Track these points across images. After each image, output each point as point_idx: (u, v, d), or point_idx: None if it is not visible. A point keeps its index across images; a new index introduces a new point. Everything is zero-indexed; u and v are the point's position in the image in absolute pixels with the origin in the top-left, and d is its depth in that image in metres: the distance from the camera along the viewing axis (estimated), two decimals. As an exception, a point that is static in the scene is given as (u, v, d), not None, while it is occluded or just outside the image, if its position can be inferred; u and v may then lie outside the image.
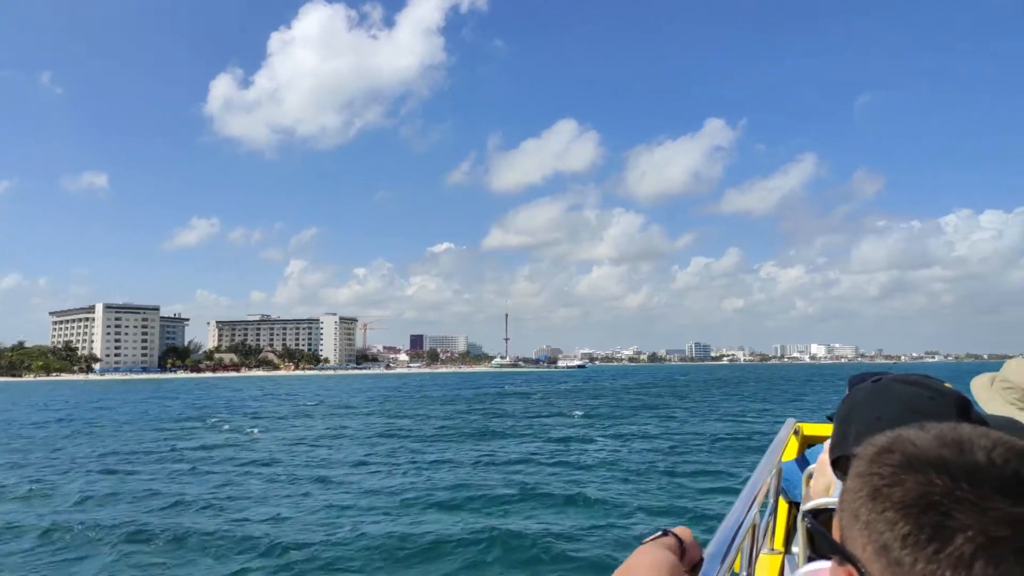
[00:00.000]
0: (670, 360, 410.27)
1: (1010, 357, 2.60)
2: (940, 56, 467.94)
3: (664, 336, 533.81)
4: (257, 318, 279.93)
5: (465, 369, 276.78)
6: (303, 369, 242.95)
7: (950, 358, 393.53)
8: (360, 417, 43.67)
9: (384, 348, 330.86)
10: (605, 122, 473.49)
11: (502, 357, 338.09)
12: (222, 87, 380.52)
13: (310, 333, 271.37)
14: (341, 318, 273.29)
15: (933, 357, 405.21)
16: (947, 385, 1.31)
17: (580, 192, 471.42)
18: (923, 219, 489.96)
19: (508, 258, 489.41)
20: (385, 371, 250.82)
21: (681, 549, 1.24)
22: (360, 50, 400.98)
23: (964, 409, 1.21)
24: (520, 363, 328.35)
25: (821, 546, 1.69)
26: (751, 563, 2.06)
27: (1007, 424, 1.48)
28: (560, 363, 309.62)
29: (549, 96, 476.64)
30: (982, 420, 1.25)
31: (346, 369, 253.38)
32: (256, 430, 35.52)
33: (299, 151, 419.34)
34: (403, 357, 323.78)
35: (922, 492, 0.65)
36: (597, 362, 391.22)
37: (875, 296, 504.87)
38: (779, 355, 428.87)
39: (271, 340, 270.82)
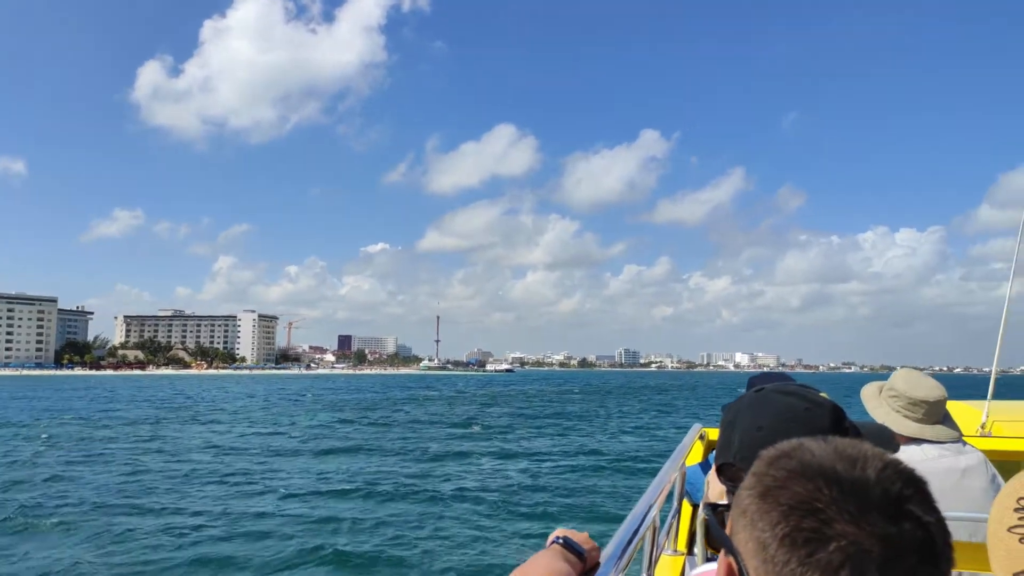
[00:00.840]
0: (600, 366, 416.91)
1: (921, 370, 2.86)
2: (858, 79, 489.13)
3: (595, 342, 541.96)
4: (169, 313, 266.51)
5: (391, 371, 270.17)
6: (217, 368, 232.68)
7: (865, 368, 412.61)
8: (216, 425, 39.33)
9: (310, 348, 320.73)
10: (543, 128, 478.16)
11: (430, 360, 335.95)
12: (150, 74, 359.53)
13: (227, 331, 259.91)
14: (260, 316, 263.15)
15: (850, 367, 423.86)
16: (823, 395, 1.39)
17: (517, 197, 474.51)
18: (842, 235, 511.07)
19: (444, 261, 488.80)
20: (304, 372, 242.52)
21: (578, 555, 1.25)
22: (298, 43, 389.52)
23: (838, 419, 1.27)
24: (449, 366, 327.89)
25: (712, 538, 1.83)
26: (651, 564, 2.08)
27: (877, 430, 1.55)
28: (489, 367, 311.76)
29: (488, 100, 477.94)
30: (855, 428, 1.31)
31: (263, 369, 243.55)
32: (45, 436, 31.75)
33: (231, 144, 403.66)
34: (329, 358, 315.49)
35: (808, 498, 0.68)
36: (527, 367, 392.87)
37: (797, 307, 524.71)
38: (705, 363, 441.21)
39: (184, 337, 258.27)
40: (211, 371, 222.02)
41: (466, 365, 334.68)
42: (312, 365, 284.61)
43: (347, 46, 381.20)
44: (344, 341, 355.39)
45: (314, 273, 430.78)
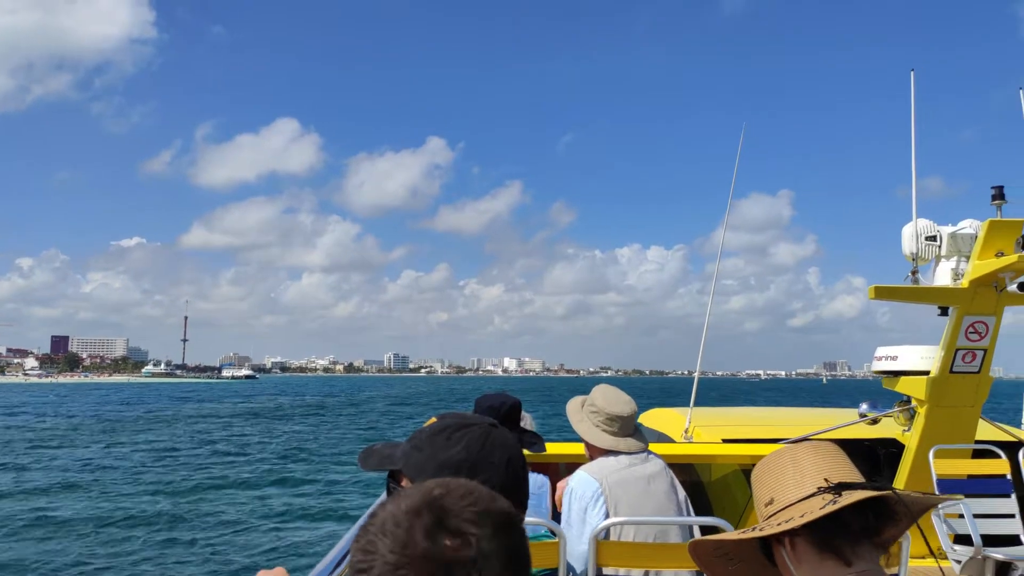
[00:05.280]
0: (368, 371, 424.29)
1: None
2: (624, 108, 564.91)
3: (368, 347, 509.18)
4: None
5: (94, 379, 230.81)
6: None
7: (620, 373, 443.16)
8: None
9: (8, 351, 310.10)
10: (328, 126, 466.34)
11: (155, 364, 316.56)
12: None
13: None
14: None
15: (607, 372, 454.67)
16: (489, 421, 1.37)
17: (296, 195, 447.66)
18: (604, 250, 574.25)
19: (211, 259, 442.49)
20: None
21: None
22: (49, 7, 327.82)
23: (485, 437, 1.26)
24: (178, 372, 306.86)
25: None
26: None
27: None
28: (225, 372, 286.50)
29: (271, 92, 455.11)
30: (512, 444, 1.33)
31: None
32: None
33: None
34: (31, 363, 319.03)
35: (397, 561, 0.75)
36: (289, 372, 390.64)
37: (561, 316, 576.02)
38: (475, 368, 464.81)
39: None
40: None
41: (204, 370, 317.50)
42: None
43: (110, 17, 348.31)
44: (59, 343, 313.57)
45: (54, 267, 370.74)
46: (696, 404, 5.13)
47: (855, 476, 1.32)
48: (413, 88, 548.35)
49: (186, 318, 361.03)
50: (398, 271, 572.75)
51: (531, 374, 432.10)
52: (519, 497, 1.25)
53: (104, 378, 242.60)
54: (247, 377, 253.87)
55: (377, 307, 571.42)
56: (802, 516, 1.26)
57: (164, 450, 27.14)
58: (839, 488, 1.27)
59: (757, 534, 1.34)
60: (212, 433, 34.69)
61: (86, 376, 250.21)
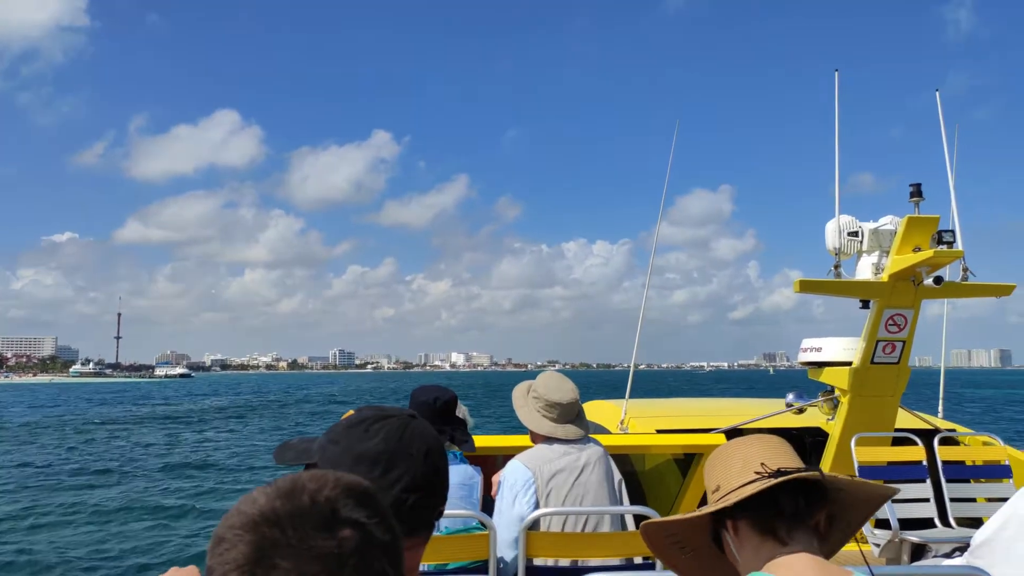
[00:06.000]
0: (312, 368, 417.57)
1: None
2: (568, 104, 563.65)
3: (312, 343, 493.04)
4: None
5: (15, 379, 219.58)
6: None
7: (567, 366, 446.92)
8: None
9: None
10: (270, 119, 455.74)
11: (84, 363, 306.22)
12: None
13: None
14: None
15: (554, 365, 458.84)
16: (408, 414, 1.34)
17: (237, 189, 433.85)
18: (550, 244, 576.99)
19: (148, 255, 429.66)
20: None
21: None
22: None
23: (403, 428, 1.24)
24: (108, 371, 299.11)
25: None
26: None
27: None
28: (159, 371, 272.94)
29: (210, 83, 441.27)
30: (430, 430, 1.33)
31: None
32: None
33: None
34: None
35: (254, 549, 0.73)
36: (230, 370, 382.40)
37: (508, 310, 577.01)
38: (423, 363, 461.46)
39: None
40: None
41: (137, 369, 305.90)
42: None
43: (38, 3, 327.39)
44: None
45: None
46: (652, 396, 5.31)
47: (795, 463, 1.43)
48: (358, 82, 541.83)
49: (119, 315, 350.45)
50: (343, 266, 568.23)
51: (479, 368, 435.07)
52: (439, 489, 1.25)
53: (27, 378, 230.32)
54: (181, 376, 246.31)
55: (322, 303, 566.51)
56: (738, 496, 1.40)
57: (20, 466, 21.29)
58: (777, 473, 1.39)
59: (700, 513, 1.48)
60: (102, 443, 28.33)
61: (6, 377, 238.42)
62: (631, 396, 5.40)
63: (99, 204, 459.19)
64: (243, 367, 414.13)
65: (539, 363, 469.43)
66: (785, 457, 1.45)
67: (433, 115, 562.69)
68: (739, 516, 1.42)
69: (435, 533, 2.98)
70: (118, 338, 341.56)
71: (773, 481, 1.37)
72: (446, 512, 2.89)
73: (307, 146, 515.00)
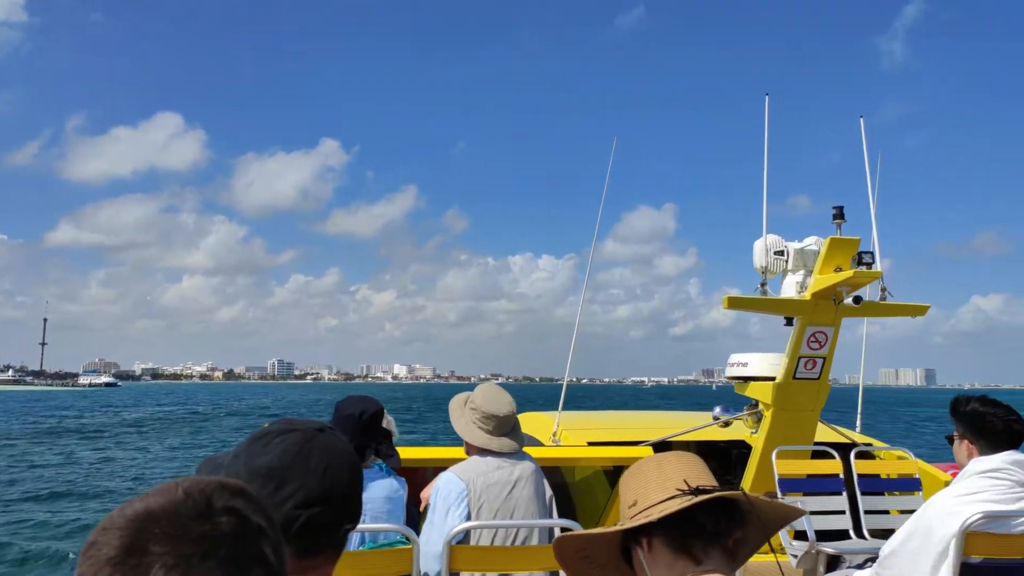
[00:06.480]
0: (249, 378, 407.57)
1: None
2: (513, 115, 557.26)
3: (251, 353, 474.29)
4: None
5: None
6: None
7: (511, 380, 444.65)
8: None
9: None
10: (215, 123, 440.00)
11: (3, 370, 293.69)
12: None
13: None
14: None
15: (497, 379, 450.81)
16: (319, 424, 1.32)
17: (178, 194, 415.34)
18: (496, 257, 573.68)
19: (80, 258, 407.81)
20: None
21: None
22: None
23: (306, 442, 1.22)
24: (28, 378, 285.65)
25: None
26: None
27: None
28: (83, 379, 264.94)
29: (153, 85, 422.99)
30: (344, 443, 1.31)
31: None
32: None
33: None
34: None
35: (126, 543, 0.73)
36: (162, 379, 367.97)
37: (453, 322, 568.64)
38: (364, 374, 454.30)
39: None
40: None
41: (62, 378, 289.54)
42: None
43: None
44: None
45: None
46: (598, 410, 5.38)
47: (712, 482, 1.45)
48: (307, 89, 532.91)
49: (45, 320, 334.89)
50: (286, 275, 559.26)
51: (421, 381, 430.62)
52: (341, 506, 1.21)
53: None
54: (107, 385, 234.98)
55: (263, 312, 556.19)
56: (661, 511, 1.39)
57: None
58: (696, 491, 1.39)
59: (619, 528, 1.48)
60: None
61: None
62: (565, 409, 5.46)
63: (30, 205, 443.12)
64: (176, 376, 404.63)
65: (482, 376, 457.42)
66: (703, 475, 1.46)
67: (383, 125, 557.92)
68: (655, 533, 1.41)
69: (359, 547, 2.99)
70: (43, 344, 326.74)
71: (698, 499, 1.37)
72: (368, 526, 2.90)
73: (253, 152, 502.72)
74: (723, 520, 1.41)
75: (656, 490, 1.43)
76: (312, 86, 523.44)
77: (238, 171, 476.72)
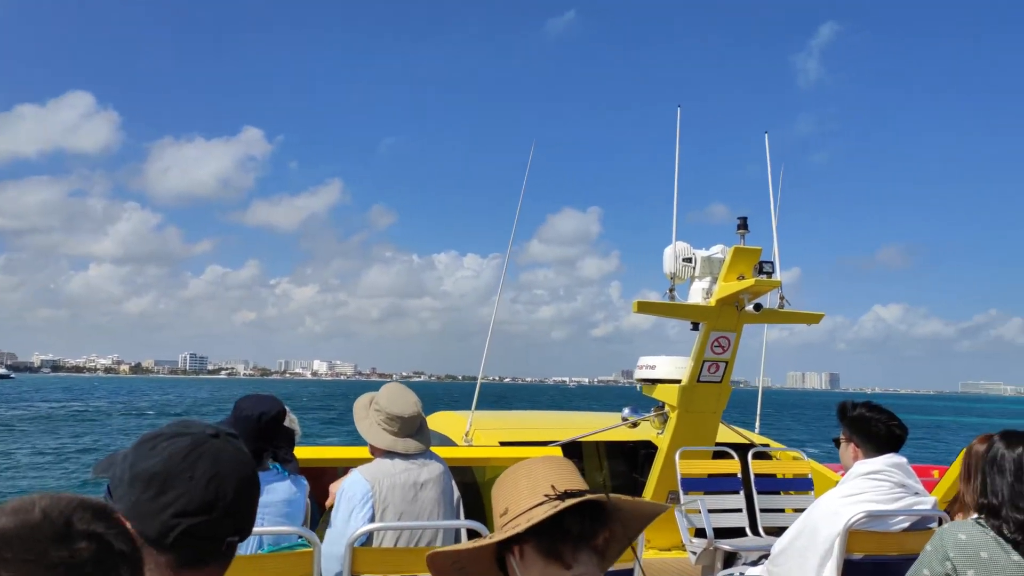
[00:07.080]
0: (158, 372, 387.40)
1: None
2: (441, 114, 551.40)
3: (161, 346, 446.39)
4: None
5: None
6: None
7: (433, 378, 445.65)
8: None
9: None
10: (130, 105, 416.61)
11: None
12: None
13: None
14: None
15: (420, 376, 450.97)
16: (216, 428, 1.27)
17: (87, 177, 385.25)
18: (421, 255, 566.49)
19: None
20: None
21: None
22: None
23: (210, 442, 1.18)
24: None
25: None
26: None
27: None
28: None
29: (64, 62, 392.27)
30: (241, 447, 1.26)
31: None
32: None
33: None
34: None
35: None
36: (64, 372, 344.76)
37: (376, 319, 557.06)
38: (282, 370, 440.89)
39: None
40: None
41: None
42: None
43: None
44: None
45: None
46: (520, 410, 5.38)
47: (581, 485, 1.45)
48: (230, 75, 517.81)
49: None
50: (202, 266, 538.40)
51: (342, 377, 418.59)
52: (226, 515, 1.15)
53: None
54: (2, 377, 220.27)
55: (176, 304, 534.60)
56: (528, 520, 1.38)
57: None
58: (564, 496, 1.40)
59: (489, 541, 1.46)
60: None
61: None
62: (483, 408, 5.49)
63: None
64: (79, 369, 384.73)
65: (404, 373, 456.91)
66: (572, 478, 1.46)
67: (309, 116, 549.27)
68: (526, 540, 1.42)
69: (257, 551, 2.91)
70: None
71: (564, 504, 1.38)
72: (265, 529, 2.83)
73: (170, 136, 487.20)
74: (588, 523, 1.42)
75: (527, 497, 1.44)
76: (236, 72, 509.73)
77: (153, 156, 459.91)
